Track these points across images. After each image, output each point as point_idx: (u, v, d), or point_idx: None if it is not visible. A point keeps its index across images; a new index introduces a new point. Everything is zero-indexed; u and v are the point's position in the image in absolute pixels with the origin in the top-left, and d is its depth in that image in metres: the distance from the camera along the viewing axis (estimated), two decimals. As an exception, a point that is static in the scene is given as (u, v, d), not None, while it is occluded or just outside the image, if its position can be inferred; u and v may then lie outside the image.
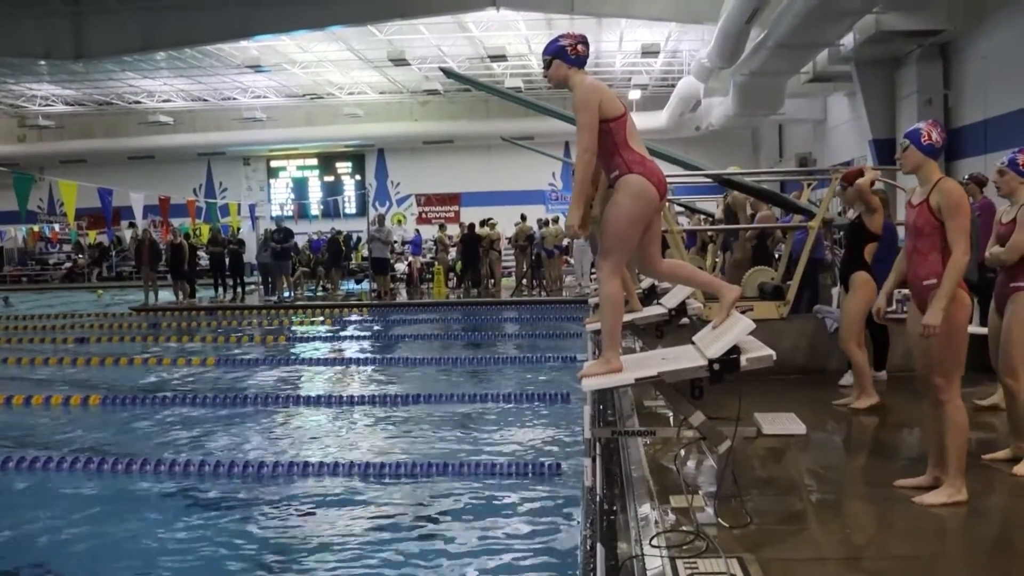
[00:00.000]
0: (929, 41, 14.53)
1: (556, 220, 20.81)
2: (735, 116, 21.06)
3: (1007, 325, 4.82)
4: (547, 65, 4.39)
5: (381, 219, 20.62)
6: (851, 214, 6.54)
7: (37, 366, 12.02)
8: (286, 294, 20.60)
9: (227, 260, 21.29)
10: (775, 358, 3.92)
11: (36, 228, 31.75)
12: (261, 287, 21.30)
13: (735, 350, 3.92)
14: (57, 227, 31.59)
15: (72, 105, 29.97)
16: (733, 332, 3.99)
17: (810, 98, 21.41)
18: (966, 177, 8.14)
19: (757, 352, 3.95)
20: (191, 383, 10.63)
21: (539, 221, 21.86)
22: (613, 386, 4.69)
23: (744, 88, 19.06)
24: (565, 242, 20.27)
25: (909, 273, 4.35)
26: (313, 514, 6.03)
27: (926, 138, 4.25)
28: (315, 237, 25.62)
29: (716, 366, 3.90)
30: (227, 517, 5.99)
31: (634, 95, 26.41)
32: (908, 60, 15.27)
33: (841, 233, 8.47)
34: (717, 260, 11.41)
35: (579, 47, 4.36)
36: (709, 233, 12.05)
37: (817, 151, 23.19)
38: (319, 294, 22.13)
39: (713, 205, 13.67)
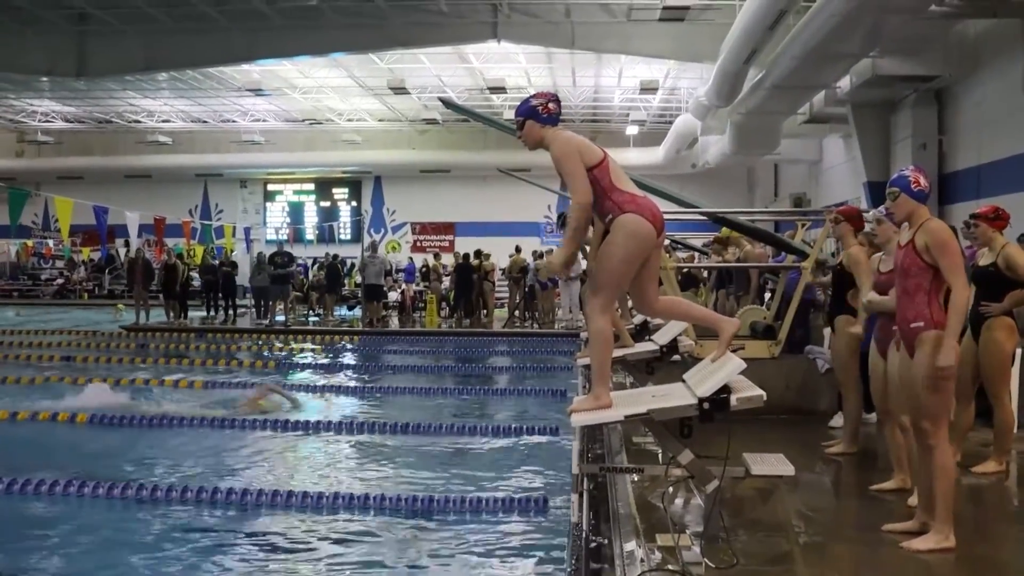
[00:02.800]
0: (925, 86, 14.66)
1: (551, 252, 20.82)
2: (731, 155, 21.16)
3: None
4: (520, 126, 4.36)
5: (374, 246, 20.63)
6: (841, 255, 6.56)
7: (23, 384, 11.93)
8: (279, 318, 20.54)
9: (220, 282, 21.26)
10: (765, 398, 3.91)
11: (30, 243, 31.67)
12: (252, 310, 21.25)
13: (725, 389, 3.91)
14: (51, 243, 31.51)
15: (72, 122, 30.02)
16: (724, 371, 3.98)
17: (806, 139, 21.55)
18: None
19: (747, 392, 3.94)
20: (177, 404, 10.55)
21: (534, 253, 21.89)
22: (602, 422, 4.68)
23: (741, 127, 19.18)
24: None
25: (898, 315, 4.35)
26: (294, 546, 5.96)
27: (916, 184, 4.27)
28: (300, 261, 25.42)
29: (706, 405, 3.89)
30: (204, 544, 5.92)
31: (631, 131, 26.57)
32: (904, 104, 15.41)
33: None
34: (710, 298, 11.43)
35: (550, 105, 4.31)
36: (704, 272, 12.08)
37: (812, 192, 23.30)
38: (312, 319, 22.07)
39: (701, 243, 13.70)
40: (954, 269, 4.10)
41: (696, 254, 14.18)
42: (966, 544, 4.14)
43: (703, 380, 4.06)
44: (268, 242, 31.40)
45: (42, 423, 9.34)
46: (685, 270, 12.44)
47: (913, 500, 4.55)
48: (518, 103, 4.46)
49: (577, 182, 4.15)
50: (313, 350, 17.03)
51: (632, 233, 4.13)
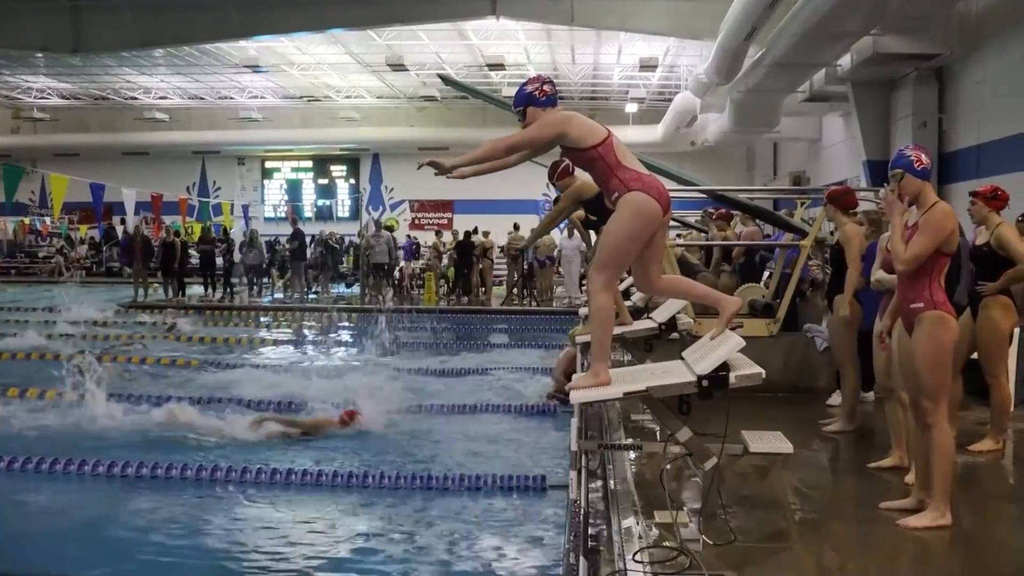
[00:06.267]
0: (925, 65, 14.60)
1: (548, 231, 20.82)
2: (731, 132, 21.12)
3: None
4: (522, 115, 4.37)
5: (379, 225, 20.65)
6: (838, 234, 6.56)
7: (18, 360, 11.93)
8: (278, 295, 20.61)
9: (218, 259, 21.30)
10: (764, 376, 3.92)
11: (26, 220, 31.58)
12: (246, 288, 21.32)
13: (724, 367, 3.91)
14: (48, 220, 31.42)
15: (68, 99, 29.87)
16: (723, 349, 3.98)
17: (806, 117, 21.49)
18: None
19: (746, 370, 3.95)
20: (177, 383, 10.55)
21: (532, 231, 21.83)
22: (601, 399, 4.68)
23: (740, 105, 19.12)
24: (556, 252, 20.29)
25: (898, 296, 4.36)
26: (292, 523, 6.00)
27: (918, 163, 4.26)
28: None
29: (705, 383, 3.89)
30: (201, 524, 5.94)
31: (631, 108, 26.48)
32: (904, 83, 15.35)
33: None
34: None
35: (545, 87, 4.34)
36: (700, 252, 12.03)
37: (811, 170, 23.27)
38: (310, 297, 22.08)
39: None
40: (919, 242, 4.12)
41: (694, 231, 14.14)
42: (963, 522, 4.17)
43: (702, 357, 4.07)
44: (266, 220, 31.39)
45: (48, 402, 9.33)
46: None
47: (910, 478, 4.57)
48: (516, 89, 4.45)
49: (518, 138, 4.24)
50: (312, 327, 17.04)
51: (638, 211, 4.11)
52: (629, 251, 4.19)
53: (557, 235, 19.74)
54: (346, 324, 17.75)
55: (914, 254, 4.12)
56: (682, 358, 4.43)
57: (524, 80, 4.48)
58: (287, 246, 21.23)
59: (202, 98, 29.62)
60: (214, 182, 32.94)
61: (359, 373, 11.24)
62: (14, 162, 24.35)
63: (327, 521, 6.08)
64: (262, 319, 18.22)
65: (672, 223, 13.34)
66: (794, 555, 3.95)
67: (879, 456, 5.26)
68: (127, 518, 5.94)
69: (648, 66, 22.24)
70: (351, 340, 15.38)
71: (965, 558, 3.96)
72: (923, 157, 4.27)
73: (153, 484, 6.68)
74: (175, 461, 6.93)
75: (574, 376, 4.87)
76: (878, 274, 5.25)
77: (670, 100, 24.71)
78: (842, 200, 6.41)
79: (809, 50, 14.26)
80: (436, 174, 4.40)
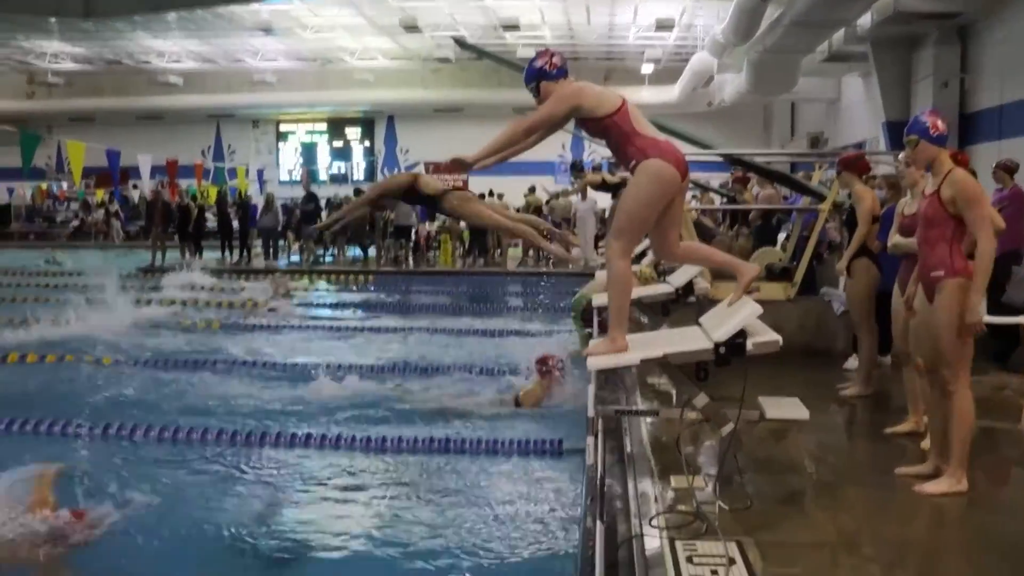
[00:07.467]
0: (947, 24, 14.34)
1: (565, 192, 20.75)
2: (748, 93, 20.85)
3: None
4: (536, 91, 4.38)
5: None
6: (853, 199, 6.52)
7: (43, 324, 12.05)
8: (294, 258, 20.69)
9: (235, 223, 21.36)
10: (781, 343, 3.92)
11: (44, 185, 31.69)
12: (262, 251, 21.40)
13: (742, 334, 3.92)
14: (65, 185, 31.52)
15: (82, 63, 29.77)
16: (740, 315, 3.98)
17: (824, 77, 21.18)
18: (994, 165, 8.10)
19: (764, 337, 3.95)
20: (198, 347, 10.64)
21: (547, 192, 21.81)
22: (618, 366, 4.70)
23: (758, 65, 18.85)
24: (573, 211, 20.20)
25: (919, 263, 4.33)
26: (309, 487, 6.07)
27: (934, 129, 4.21)
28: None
29: (722, 349, 3.91)
30: (218, 483, 6.02)
31: (647, 69, 26.16)
32: (925, 42, 15.08)
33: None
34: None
35: (554, 60, 4.36)
36: (719, 215, 11.99)
37: (830, 131, 23.00)
38: (327, 259, 22.12)
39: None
40: (980, 222, 4.07)
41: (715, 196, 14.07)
42: (978, 487, 4.18)
43: (719, 324, 4.07)
44: (281, 183, 31.37)
45: (68, 364, 9.45)
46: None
47: (927, 443, 4.58)
48: (531, 52, 4.46)
49: (538, 117, 4.28)
50: (330, 290, 17.12)
51: (656, 177, 4.11)
52: (647, 218, 4.20)
53: (573, 197, 19.68)
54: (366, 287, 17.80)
55: (986, 226, 4.08)
56: (699, 324, 4.44)
57: (527, 64, 4.47)
58: (302, 208, 21.17)
59: (215, 62, 29.46)
60: (229, 145, 32.90)
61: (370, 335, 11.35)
62: (30, 127, 24.40)
63: (342, 485, 6.14)
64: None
65: (695, 187, 13.34)
66: (810, 520, 3.98)
67: (896, 421, 5.27)
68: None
69: (664, 26, 21.94)
70: (370, 301, 15.47)
71: (981, 524, 3.97)
72: (939, 123, 4.22)
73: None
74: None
75: (590, 343, 4.89)
76: (895, 239, 5.22)
77: (686, 61, 24.38)
78: (855, 165, 6.38)
79: (828, 9, 14.03)
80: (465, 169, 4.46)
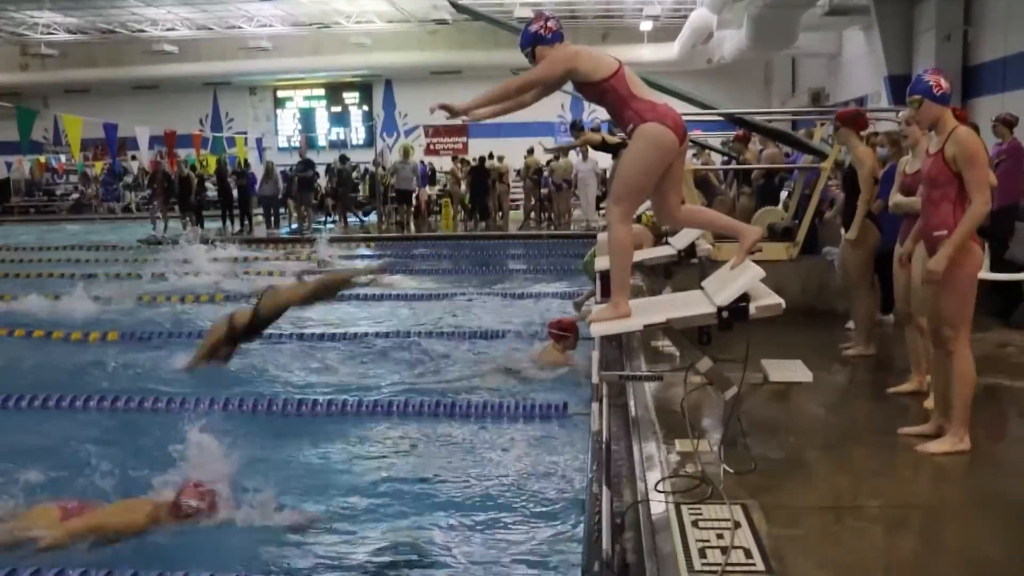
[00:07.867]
0: (950, -26, 14.20)
1: (563, 149, 20.65)
2: (748, 49, 20.65)
3: None
4: (532, 56, 4.35)
5: (406, 151, 20.57)
6: (850, 156, 6.46)
7: (47, 300, 12.05)
8: (295, 226, 20.65)
9: (235, 192, 21.30)
10: (784, 306, 3.93)
11: (42, 159, 31.57)
12: (264, 220, 21.35)
13: (744, 298, 3.93)
14: (63, 158, 31.38)
15: (75, 33, 29.51)
16: (743, 279, 3.99)
17: (825, 31, 20.97)
18: (994, 119, 8.04)
19: (766, 300, 3.96)
20: (203, 318, 10.66)
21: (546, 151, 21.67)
22: (621, 331, 4.71)
23: (758, 21, 18.64)
24: (572, 175, 20.12)
25: (922, 222, 4.32)
26: (312, 451, 6.11)
27: (938, 88, 4.17)
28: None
29: (725, 313, 3.92)
30: (234, 450, 6.03)
31: (645, 26, 25.89)
32: (928, -7, 14.93)
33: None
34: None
35: (549, 24, 4.34)
36: (720, 175, 11.93)
37: (831, 86, 22.80)
38: (328, 226, 22.08)
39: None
40: (977, 181, 4.04)
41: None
42: (980, 446, 4.20)
43: (722, 288, 4.07)
44: (280, 150, 31.23)
45: (73, 343, 9.47)
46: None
47: (929, 403, 4.60)
48: (528, 14, 4.42)
49: (530, 76, 4.29)
50: (333, 256, 17.10)
51: (654, 142, 4.09)
52: (646, 183, 4.20)
53: (573, 156, 19.57)
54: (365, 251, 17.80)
55: (983, 189, 4.06)
56: (702, 288, 4.45)
57: (522, 28, 4.44)
58: (299, 174, 20.89)
59: (210, 28, 29.18)
60: (226, 114, 32.69)
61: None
62: (25, 99, 24.26)
63: (349, 449, 6.20)
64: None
65: (694, 145, 13.26)
66: (814, 482, 4.01)
67: (898, 380, 5.28)
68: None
69: (663, -18, 21.70)
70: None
71: (983, 482, 3.99)
72: (942, 82, 4.18)
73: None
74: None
75: (593, 308, 4.90)
76: (896, 198, 5.20)
77: (686, 17, 24.12)
78: (853, 121, 6.30)
79: (829, -39, 13.87)
80: (448, 118, 4.43)
